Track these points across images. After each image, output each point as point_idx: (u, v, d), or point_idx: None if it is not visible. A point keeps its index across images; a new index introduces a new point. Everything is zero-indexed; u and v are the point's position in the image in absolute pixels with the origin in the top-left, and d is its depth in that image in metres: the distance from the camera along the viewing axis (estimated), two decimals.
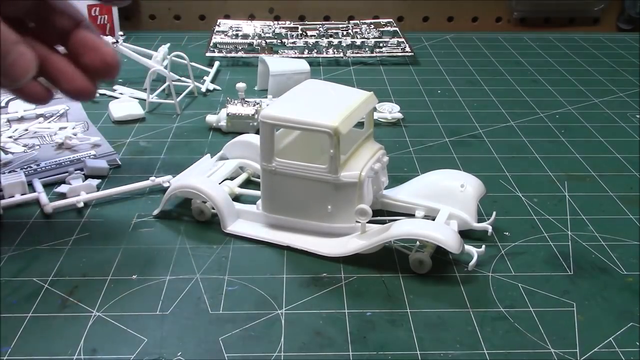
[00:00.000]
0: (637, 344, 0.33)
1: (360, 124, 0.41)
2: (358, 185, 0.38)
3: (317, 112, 0.38)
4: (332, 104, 0.39)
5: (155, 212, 0.43)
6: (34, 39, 0.37)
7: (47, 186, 0.46)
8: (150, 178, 0.46)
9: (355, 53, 0.75)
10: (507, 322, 0.34)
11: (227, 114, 0.55)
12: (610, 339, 0.33)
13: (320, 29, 0.81)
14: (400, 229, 0.37)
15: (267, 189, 0.40)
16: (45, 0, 0.38)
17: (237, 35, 0.78)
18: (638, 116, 0.60)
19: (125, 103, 0.59)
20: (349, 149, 0.40)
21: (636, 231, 0.42)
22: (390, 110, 0.58)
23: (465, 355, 0.32)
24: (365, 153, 0.40)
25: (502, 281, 0.37)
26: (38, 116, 0.57)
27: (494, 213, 0.41)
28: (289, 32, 0.80)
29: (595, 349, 0.32)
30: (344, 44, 0.77)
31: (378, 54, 0.75)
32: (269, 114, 0.38)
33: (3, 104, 0.59)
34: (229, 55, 0.74)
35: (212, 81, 0.67)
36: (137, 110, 0.58)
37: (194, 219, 0.42)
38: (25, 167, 0.48)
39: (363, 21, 0.84)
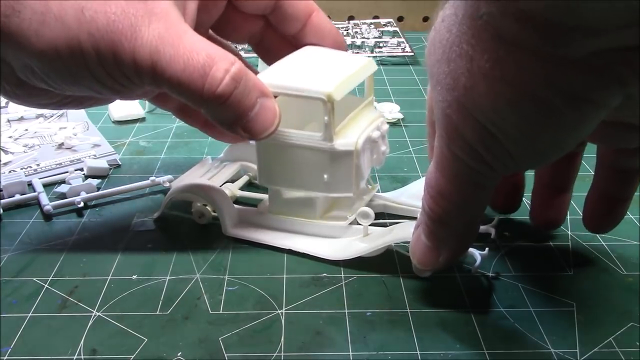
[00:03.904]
0: (637, 344, 0.33)
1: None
2: (355, 154, 0.37)
3: (311, 78, 0.36)
4: (327, 70, 0.38)
5: (156, 215, 0.43)
6: (269, 31, 0.41)
7: (47, 186, 0.46)
8: (150, 178, 0.46)
9: (355, 53, 0.75)
10: (507, 322, 0.34)
11: None
12: (610, 339, 0.33)
13: None
14: (403, 232, 0.37)
15: (263, 159, 0.39)
16: None
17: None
18: None
19: (125, 103, 0.59)
20: (347, 116, 0.38)
21: (636, 231, 0.42)
22: (390, 110, 0.58)
23: (465, 355, 0.32)
24: (363, 121, 0.39)
25: (502, 281, 0.37)
26: (38, 116, 0.57)
27: (497, 216, 0.41)
28: None
29: (595, 349, 0.32)
30: None
31: (378, 54, 0.75)
32: (261, 80, 0.36)
33: (3, 104, 0.59)
34: None
35: None
36: (137, 110, 0.58)
37: (195, 221, 0.42)
38: (25, 167, 0.48)
39: (363, 21, 0.84)
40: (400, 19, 0.93)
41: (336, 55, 0.40)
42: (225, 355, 0.32)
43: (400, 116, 0.58)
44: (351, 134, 0.37)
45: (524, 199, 0.45)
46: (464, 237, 0.33)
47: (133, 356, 0.31)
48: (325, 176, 0.38)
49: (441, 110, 0.28)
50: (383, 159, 0.41)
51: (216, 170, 0.46)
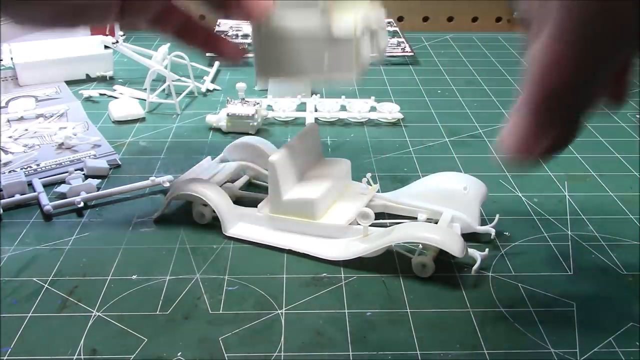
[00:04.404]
0: (637, 344, 0.33)
1: None
2: (354, 41, 0.36)
3: None
4: None
5: (155, 215, 0.43)
6: None
7: (47, 186, 0.46)
8: (150, 178, 0.46)
9: None
10: (507, 322, 0.34)
11: (227, 114, 0.55)
12: (610, 339, 0.33)
13: None
14: (403, 232, 0.37)
15: (261, 48, 0.38)
16: None
17: (237, 35, 0.79)
18: (638, 116, 0.60)
19: (125, 103, 0.59)
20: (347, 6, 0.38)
21: (636, 231, 0.42)
22: (390, 110, 0.58)
23: (465, 355, 0.32)
24: (361, 4, 0.38)
25: (502, 281, 0.37)
26: (38, 116, 0.57)
27: (497, 216, 0.41)
28: None
29: (595, 349, 0.32)
30: None
31: None
32: None
33: (3, 104, 0.59)
34: None
35: (212, 81, 0.67)
36: (137, 110, 0.58)
37: (195, 221, 0.42)
38: (25, 167, 0.48)
39: None
40: (400, 19, 0.93)
41: None
42: (225, 355, 0.32)
43: (400, 116, 0.58)
44: (349, 18, 0.36)
45: (523, 199, 0.45)
46: (571, 122, 0.29)
47: (133, 356, 0.31)
48: (326, 56, 0.37)
49: None
50: (383, 53, 0.40)
51: (216, 170, 0.46)
